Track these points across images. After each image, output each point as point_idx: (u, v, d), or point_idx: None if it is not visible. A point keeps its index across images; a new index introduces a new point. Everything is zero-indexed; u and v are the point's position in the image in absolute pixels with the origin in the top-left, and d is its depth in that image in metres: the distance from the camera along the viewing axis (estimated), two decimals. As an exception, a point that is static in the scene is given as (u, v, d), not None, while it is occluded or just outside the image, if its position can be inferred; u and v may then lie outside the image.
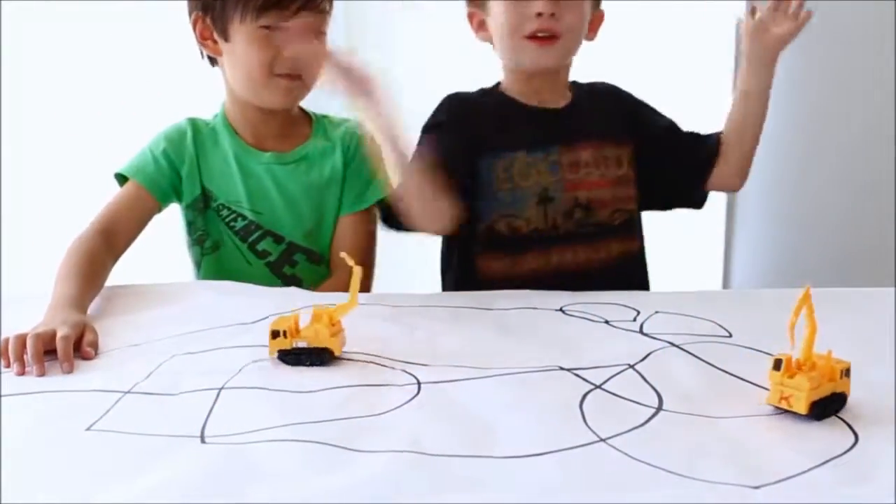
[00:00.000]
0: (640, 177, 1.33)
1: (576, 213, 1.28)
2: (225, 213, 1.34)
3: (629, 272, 1.33)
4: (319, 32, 1.28)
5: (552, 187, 1.27)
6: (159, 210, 1.33)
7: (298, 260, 1.36)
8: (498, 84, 1.34)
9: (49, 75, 1.97)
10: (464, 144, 1.25)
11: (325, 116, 1.42)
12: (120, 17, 1.94)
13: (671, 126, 1.36)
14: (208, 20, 1.29)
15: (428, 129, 1.27)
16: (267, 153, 1.35)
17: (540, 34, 1.23)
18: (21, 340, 0.94)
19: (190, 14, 1.31)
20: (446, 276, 1.38)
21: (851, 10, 1.89)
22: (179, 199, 1.35)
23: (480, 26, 1.30)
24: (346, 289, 1.18)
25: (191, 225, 1.37)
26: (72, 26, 1.96)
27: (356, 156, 1.37)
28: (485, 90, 1.34)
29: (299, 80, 1.28)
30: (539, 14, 1.21)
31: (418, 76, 2.12)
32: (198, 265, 1.38)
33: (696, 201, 1.38)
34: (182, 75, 1.96)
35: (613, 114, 1.34)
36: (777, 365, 0.79)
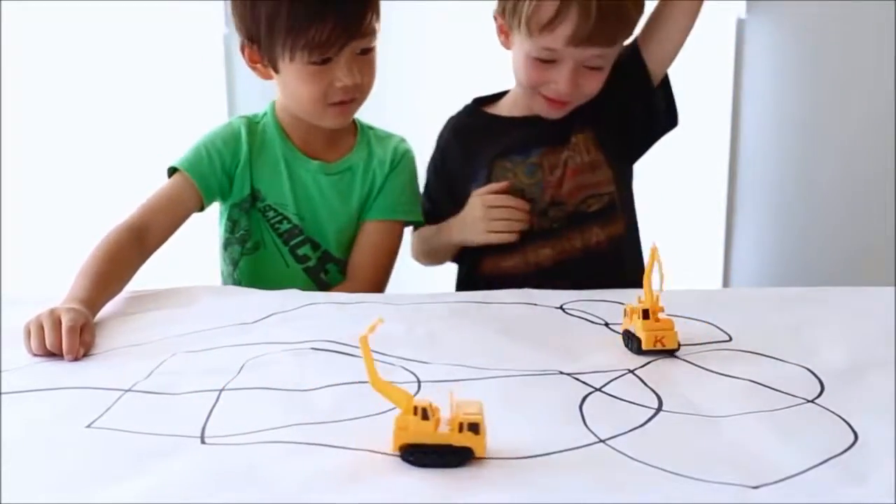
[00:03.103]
0: (611, 129, 1.32)
1: (550, 210, 1.31)
2: (271, 214, 1.33)
3: (615, 256, 1.34)
4: (368, 49, 1.25)
5: (529, 189, 1.31)
6: (199, 209, 1.31)
7: (330, 269, 1.35)
8: (481, 101, 1.39)
9: (49, 75, 1.97)
10: (448, 182, 1.39)
11: (370, 128, 1.40)
12: (121, 17, 1.94)
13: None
14: (255, 48, 1.26)
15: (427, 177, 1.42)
16: (314, 161, 1.34)
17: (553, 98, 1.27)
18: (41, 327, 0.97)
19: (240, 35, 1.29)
20: (459, 274, 1.46)
21: (851, 10, 1.89)
22: (223, 200, 1.34)
23: (507, 38, 1.30)
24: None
25: (234, 223, 1.35)
26: (72, 26, 1.96)
27: (397, 169, 1.36)
28: (468, 108, 1.41)
29: (352, 102, 1.27)
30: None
31: (418, 76, 2.13)
32: (235, 264, 1.36)
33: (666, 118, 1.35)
34: (183, 75, 1.97)
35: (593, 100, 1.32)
36: (646, 314, 0.92)
